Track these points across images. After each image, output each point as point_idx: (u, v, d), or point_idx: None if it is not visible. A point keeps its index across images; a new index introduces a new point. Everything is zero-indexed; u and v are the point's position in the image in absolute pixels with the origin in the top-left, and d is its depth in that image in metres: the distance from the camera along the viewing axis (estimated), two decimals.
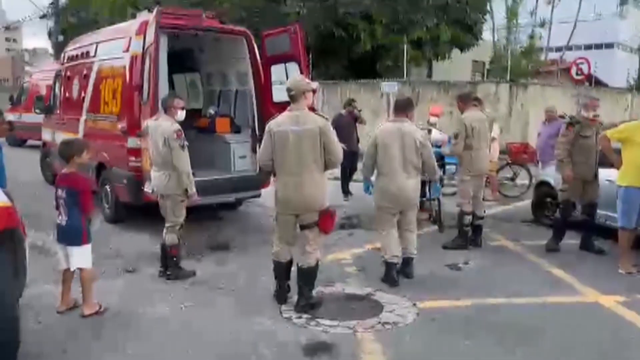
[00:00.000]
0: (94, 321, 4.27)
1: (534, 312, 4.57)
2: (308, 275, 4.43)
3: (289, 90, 4.35)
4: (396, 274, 5.14)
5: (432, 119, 8.66)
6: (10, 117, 18.52)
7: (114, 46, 7.27)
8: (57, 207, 4.40)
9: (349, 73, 17.76)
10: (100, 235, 6.74)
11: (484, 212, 6.70)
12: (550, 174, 7.90)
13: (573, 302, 4.81)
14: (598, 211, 6.81)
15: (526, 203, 8.67)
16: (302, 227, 4.39)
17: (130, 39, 6.74)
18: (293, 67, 7.11)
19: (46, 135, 10.26)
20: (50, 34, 24.64)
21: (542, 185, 7.97)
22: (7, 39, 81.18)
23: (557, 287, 5.19)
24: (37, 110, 10.85)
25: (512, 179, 10.57)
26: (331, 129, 4.35)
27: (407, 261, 5.30)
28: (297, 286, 4.49)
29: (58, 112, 9.44)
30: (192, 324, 4.24)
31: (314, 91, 4.56)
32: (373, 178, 5.41)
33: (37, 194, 9.25)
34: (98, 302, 4.46)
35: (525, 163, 10.26)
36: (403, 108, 5.34)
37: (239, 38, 7.54)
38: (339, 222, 7.69)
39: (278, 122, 4.36)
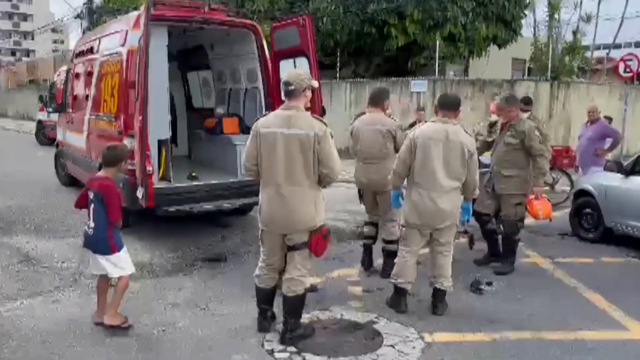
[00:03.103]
0: (54, 343, 3.78)
1: (568, 351, 3.82)
2: (294, 306, 3.79)
3: (287, 84, 3.69)
4: (405, 299, 4.46)
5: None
6: (39, 116, 18.77)
7: (113, 41, 6.83)
8: (81, 207, 4.12)
9: (380, 71, 17.02)
10: None
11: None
12: (590, 182, 7.06)
13: (616, 340, 4.02)
14: (635, 223, 6.01)
15: (565, 213, 7.81)
16: (290, 249, 3.73)
17: (127, 32, 6.27)
18: (303, 62, 6.50)
19: (59, 134, 10.00)
20: (84, 34, 24.85)
21: (582, 194, 7.10)
22: (54, 41, 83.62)
23: (595, 319, 4.39)
24: (50, 109, 10.59)
25: (552, 186, 9.72)
26: (329, 137, 3.64)
27: (437, 294, 4.44)
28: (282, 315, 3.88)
29: (68, 110, 9.13)
30: (158, 354, 3.69)
31: (313, 90, 3.89)
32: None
33: (45, 196, 9.01)
34: (124, 316, 4.11)
35: (566, 168, 9.45)
36: (451, 106, 4.45)
37: (246, 32, 6.99)
38: (351, 231, 7.08)
39: (266, 122, 3.72)
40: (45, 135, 18.44)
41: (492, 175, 5.63)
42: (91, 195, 3.99)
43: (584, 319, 4.36)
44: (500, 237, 5.71)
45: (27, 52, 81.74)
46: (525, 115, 7.42)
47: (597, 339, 4.02)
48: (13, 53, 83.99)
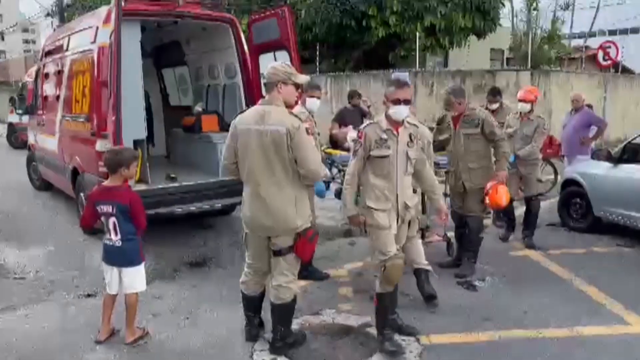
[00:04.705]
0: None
1: (568, 349, 3.70)
2: (282, 313, 3.58)
3: (262, 76, 3.51)
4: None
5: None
6: (10, 118, 18.20)
7: (84, 37, 6.50)
8: (90, 226, 4.07)
9: (361, 64, 16.83)
10: (72, 249, 6.07)
11: None
12: (578, 171, 6.97)
13: (616, 335, 3.91)
14: (633, 214, 5.92)
15: (551, 202, 7.74)
16: (275, 254, 3.51)
17: (97, 28, 5.96)
18: (283, 56, 6.27)
19: (30, 137, 9.61)
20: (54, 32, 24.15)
21: (570, 183, 7.02)
22: (25, 41, 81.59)
23: (593, 313, 4.28)
24: (19, 111, 10.15)
25: None
26: (304, 134, 3.36)
27: (420, 277, 4.33)
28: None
29: (39, 112, 8.75)
30: None
31: (297, 86, 3.59)
32: None
33: (18, 202, 8.65)
34: (142, 327, 3.94)
35: (550, 158, 9.37)
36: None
37: (224, 25, 6.74)
38: (340, 229, 6.89)
39: (243, 118, 3.50)
40: (17, 139, 17.93)
41: (452, 173, 5.28)
42: (110, 208, 3.71)
43: (582, 314, 4.24)
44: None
45: None
46: (494, 106, 7.16)
47: (597, 334, 3.90)
48: None
